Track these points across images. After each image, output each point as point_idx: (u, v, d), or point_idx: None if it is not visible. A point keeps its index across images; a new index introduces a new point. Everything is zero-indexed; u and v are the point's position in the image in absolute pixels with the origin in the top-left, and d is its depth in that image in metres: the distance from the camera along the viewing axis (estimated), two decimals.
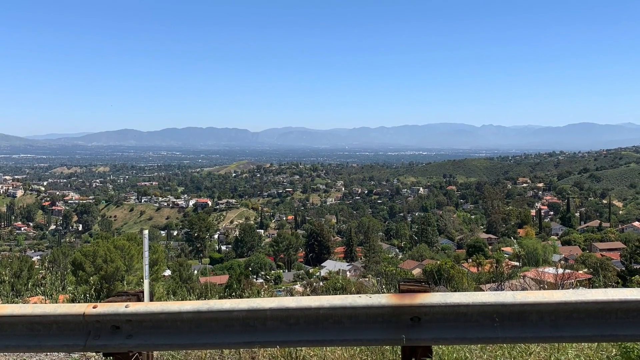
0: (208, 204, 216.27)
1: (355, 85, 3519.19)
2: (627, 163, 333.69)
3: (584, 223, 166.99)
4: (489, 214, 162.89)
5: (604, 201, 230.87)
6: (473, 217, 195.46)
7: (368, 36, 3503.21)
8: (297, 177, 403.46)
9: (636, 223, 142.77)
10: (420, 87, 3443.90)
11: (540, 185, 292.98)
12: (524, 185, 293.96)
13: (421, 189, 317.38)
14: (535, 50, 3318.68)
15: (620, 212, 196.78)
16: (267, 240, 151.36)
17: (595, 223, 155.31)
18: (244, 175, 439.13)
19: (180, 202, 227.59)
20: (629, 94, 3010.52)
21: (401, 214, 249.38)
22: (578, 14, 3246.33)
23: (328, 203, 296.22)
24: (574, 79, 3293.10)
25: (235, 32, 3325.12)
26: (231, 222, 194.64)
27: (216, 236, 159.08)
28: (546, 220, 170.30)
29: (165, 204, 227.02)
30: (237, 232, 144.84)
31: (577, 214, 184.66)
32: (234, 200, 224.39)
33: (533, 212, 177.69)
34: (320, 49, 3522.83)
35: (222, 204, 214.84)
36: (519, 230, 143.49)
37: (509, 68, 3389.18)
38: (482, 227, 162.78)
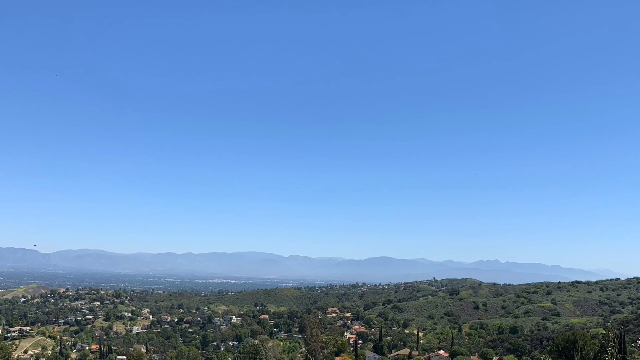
0: None
1: (160, 209, 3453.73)
2: (424, 295, 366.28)
3: (393, 351, 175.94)
4: (308, 343, 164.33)
5: (406, 331, 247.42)
6: (290, 345, 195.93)
7: (169, 162, 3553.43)
8: (98, 303, 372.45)
9: (441, 352, 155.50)
10: (228, 215, 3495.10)
11: (349, 315, 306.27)
12: (334, 314, 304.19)
13: (234, 318, 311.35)
14: (334, 189, 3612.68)
15: (421, 341, 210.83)
16: None
17: (405, 351, 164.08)
18: (35, 300, 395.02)
19: None
20: (421, 233, 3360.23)
21: (214, 343, 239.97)
22: (357, 157, 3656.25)
23: (134, 332, 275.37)
24: (371, 216, 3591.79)
25: (21, 145, 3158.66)
26: (25, 352, 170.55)
27: None
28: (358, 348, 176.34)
29: None
30: None
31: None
32: (28, 328, 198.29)
33: (343, 340, 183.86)
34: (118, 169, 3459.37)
35: (14, 331, 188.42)
36: (336, 358, 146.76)
37: (316, 202, 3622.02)
38: (300, 354, 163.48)
